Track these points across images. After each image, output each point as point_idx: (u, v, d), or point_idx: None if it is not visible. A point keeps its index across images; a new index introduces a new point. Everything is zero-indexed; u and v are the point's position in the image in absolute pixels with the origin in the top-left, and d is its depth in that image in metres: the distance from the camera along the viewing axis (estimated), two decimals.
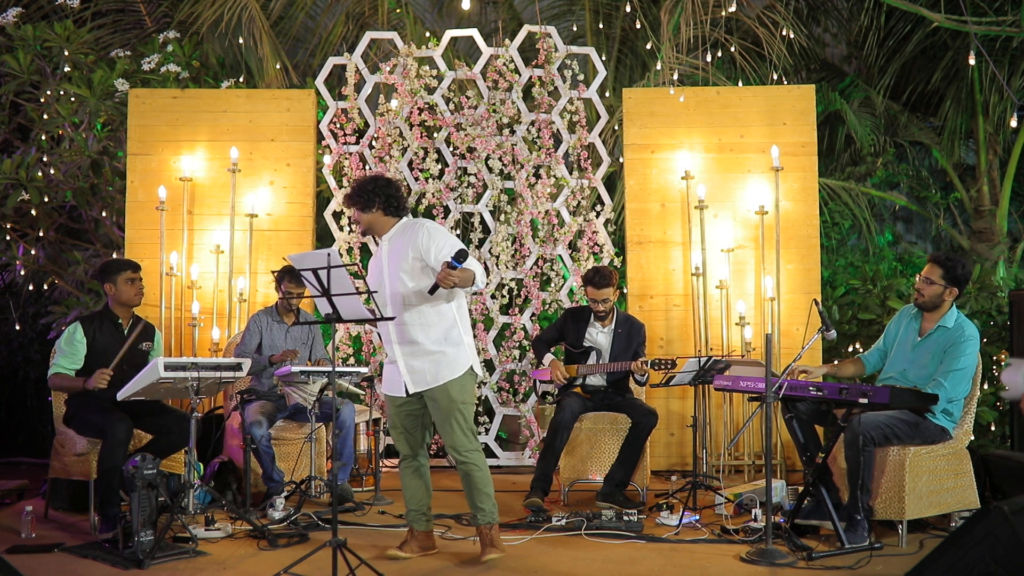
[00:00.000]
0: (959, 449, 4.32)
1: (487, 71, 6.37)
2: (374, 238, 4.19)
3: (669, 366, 4.96)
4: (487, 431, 6.22)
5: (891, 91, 8.20)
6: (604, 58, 7.20)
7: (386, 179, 4.01)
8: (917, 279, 4.36)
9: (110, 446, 4.33)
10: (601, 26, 8.02)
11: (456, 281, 3.67)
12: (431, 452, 6.29)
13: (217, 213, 6.16)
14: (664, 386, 5.05)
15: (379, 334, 4.15)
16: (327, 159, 6.33)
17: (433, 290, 3.76)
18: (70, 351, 4.61)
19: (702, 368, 4.86)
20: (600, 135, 6.42)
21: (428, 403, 3.95)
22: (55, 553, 4.07)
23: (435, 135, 6.37)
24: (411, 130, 6.34)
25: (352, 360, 6.31)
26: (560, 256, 6.35)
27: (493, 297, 6.27)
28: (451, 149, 6.39)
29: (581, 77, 6.44)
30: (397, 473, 6.00)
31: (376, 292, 3.88)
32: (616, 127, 6.96)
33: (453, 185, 6.33)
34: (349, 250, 6.30)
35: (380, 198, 3.93)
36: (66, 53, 6.60)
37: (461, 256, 3.66)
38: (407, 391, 3.92)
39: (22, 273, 6.97)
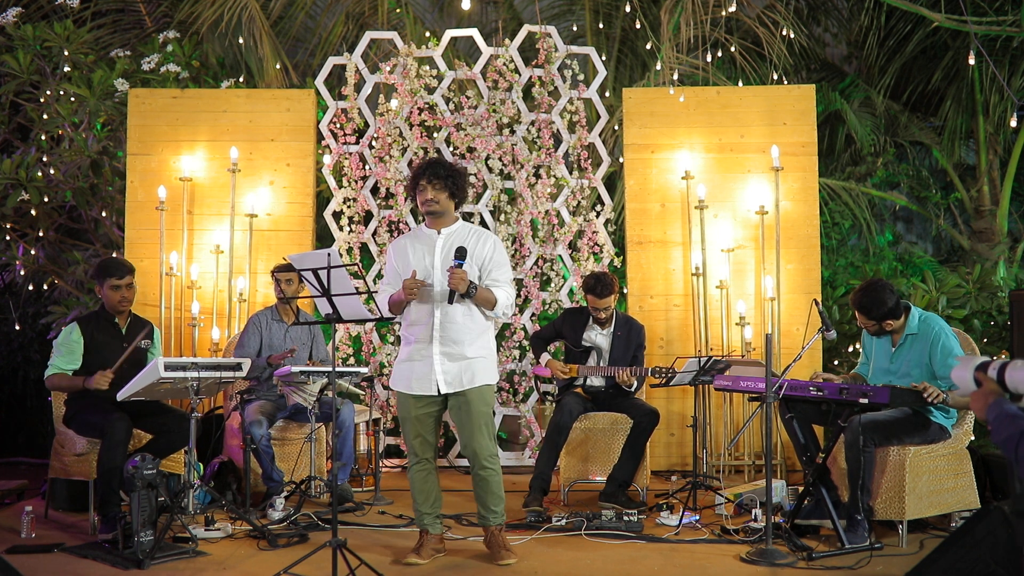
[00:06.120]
0: (959, 449, 4.32)
1: (487, 71, 6.37)
2: (429, 224, 4.01)
3: (669, 375, 4.96)
4: None
5: (891, 91, 8.20)
6: (604, 58, 7.19)
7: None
8: (869, 328, 4.36)
9: (110, 446, 4.32)
10: (601, 26, 8.02)
11: (460, 282, 3.74)
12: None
13: (217, 213, 6.16)
14: (664, 386, 5.06)
15: (401, 329, 4.09)
16: (327, 159, 6.33)
17: (451, 297, 3.79)
18: (67, 351, 4.59)
19: (702, 368, 4.87)
20: (600, 135, 6.41)
21: (455, 404, 3.91)
22: (55, 553, 4.06)
23: (435, 135, 6.37)
24: (411, 130, 6.34)
25: (352, 360, 6.31)
26: (560, 256, 6.34)
27: None
28: (451, 149, 6.38)
29: (581, 77, 6.43)
30: (397, 473, 6.06)
31: (427, 282, 3.87)
32: (616, 127, 6.96)
33: None
34: (349, 250, 6.30)
35: (464, 193, 4.03)
36: (66, 53, 6.60)
37: (460, 254, 3.79)
38: (439, 390, 3.88)
39: (22, 273, 6.97)
